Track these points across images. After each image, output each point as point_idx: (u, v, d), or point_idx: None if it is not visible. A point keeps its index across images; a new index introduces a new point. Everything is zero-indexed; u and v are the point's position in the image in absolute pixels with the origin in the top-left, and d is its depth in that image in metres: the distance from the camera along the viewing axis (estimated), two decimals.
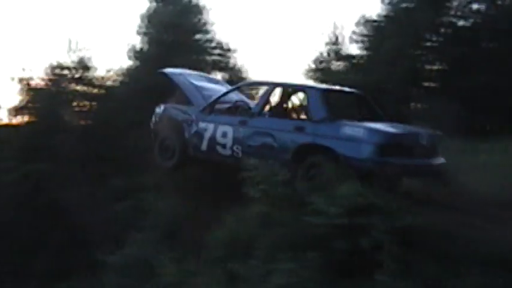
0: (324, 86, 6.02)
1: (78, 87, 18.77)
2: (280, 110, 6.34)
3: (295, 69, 40.21)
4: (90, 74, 19.34)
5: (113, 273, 10.72)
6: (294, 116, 6.34)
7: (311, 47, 37.22)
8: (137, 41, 20.08)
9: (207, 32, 19.79)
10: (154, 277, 8.58)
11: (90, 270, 12.19)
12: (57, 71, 19.30)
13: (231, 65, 19.94)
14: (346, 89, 6.89)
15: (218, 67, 19.78)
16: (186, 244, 9.47)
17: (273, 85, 6.33)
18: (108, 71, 19.68)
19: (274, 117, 6.22)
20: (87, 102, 18.43)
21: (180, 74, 7.71)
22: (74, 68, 19.27)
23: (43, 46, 38.54)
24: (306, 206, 6.83)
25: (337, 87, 6.64)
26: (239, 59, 20.72)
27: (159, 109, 7.37)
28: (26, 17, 40.55)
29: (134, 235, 11.31)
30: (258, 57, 28.67)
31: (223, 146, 6.59)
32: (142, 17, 20.08)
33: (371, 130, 5.30)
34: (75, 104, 18.27)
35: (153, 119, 7.46)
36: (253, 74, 21.56)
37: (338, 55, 19.82)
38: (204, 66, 19.53)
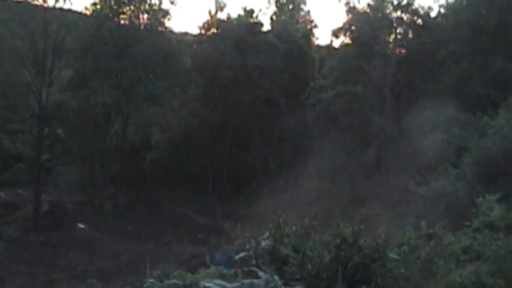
0: None
1: (403, 15, 18.61)
2: None
3: None
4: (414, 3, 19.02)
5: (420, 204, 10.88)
6: None
7: None
8: None
9: None
10: (476, 215, 8.43)
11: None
12: None
13: None
14: None
15: None
16: (507, 187, 9.06)
17: None
18: None
19: None
20: (409, 31, 18.23)
21: None
22: None
23: None
24: None
25: None
26: None
27: None
28: None
29: (447, 169, 11.17)
30: None
31: None
32: None
33: None
34: (398, 31, 18.17)
35: None
36: None
37: None
38: None
